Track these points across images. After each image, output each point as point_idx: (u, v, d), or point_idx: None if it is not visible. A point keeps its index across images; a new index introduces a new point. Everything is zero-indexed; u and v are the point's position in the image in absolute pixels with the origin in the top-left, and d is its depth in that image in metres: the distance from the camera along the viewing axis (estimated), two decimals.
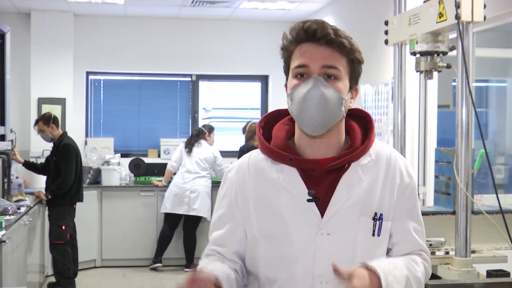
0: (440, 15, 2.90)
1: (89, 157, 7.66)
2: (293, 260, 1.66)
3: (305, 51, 1.65)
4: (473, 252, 2.93)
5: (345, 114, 1.69)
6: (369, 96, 5.93)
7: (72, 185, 6.13)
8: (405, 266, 1.67)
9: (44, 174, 6.42)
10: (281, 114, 1.81)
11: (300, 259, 1.66)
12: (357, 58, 1.67)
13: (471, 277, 2.71)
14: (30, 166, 6.50)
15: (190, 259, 7.34)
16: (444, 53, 3.10)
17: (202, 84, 8.58)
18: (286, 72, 1.71)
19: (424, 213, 2.02)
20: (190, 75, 8.50)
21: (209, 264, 1.70)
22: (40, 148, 7.16)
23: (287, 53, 1.70)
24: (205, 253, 1.79)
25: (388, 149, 1.77)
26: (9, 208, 5.07)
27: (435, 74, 3.29)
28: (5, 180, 5.60)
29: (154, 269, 7.36)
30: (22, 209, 5.36)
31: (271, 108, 8.14)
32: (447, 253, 2.98)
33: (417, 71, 3.17)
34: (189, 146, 7.39)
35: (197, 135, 7.48)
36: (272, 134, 1.76)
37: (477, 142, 3.17)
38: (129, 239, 7.53)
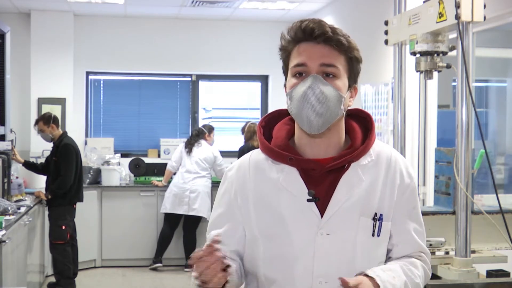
0: (440, 15, 2.90)
1: (89, 157, 7.66)
2: (292, 260, 1.66)
3: (303, 50, 1.65)
4: (473, 252, 2.93)
5: (344, 113, 1.69)
6: (369, 96, 5.93)
7: (72, 185, 6.13)
8: (403, 272, 1.67)
9: (44, 174, 6.42)
10: (282, 114, 1.81)
11: (299, 259, 1.66)
12: (355, 56, 1.67)
13: (471, 277, 2.71)
14: (30, 166, 6.49)
15: None
16: (444, 53, 3.10)
17: (202, 84, 8.58)
18: (285, 72, 1.71)
19: (424, 213, 2.02)
20: (190, 75, 8.50)
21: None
22: (40, 148, 7.16)
23: (285, 53, 1.70)
24: None
25: (389, 149, 1.77)
26: (9, 208, 5.07)
27: (435, 74, 3.29)
28: (5, 180, 5.60)
29: (154, 269, 7.36)
30: (22, 209, 5.36)
31: (271, 108, 8.15)
32: (447, 253, 2.98)
33: (417, 71, 3.17)
34: (189, 146, 7.39)
35: (197, 135, 7.48)
36: (273, 134, 1.77)
37: (477, 142, 3.17)
38: (129, 239, 7.52)
